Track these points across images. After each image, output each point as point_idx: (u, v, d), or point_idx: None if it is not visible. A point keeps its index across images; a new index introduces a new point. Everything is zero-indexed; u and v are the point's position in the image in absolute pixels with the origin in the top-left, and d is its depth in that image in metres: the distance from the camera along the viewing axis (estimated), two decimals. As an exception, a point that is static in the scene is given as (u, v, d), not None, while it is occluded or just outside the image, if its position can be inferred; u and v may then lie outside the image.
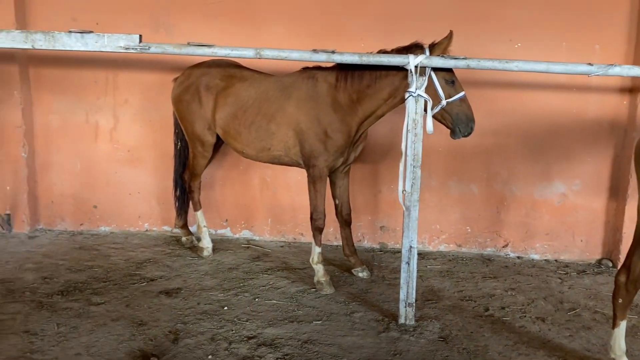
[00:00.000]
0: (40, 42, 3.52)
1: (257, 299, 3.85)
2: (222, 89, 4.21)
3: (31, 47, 3.57)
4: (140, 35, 3.47)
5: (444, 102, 3.54)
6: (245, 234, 5.11)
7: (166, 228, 5.13)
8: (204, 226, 4.66)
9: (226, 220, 5.11)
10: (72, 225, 5.15)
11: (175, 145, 4.71)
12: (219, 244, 4.90)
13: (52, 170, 5.11)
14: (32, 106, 4.99)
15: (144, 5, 4.75)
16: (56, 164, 5.10)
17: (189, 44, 3.44)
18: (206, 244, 4.63)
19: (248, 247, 4.89)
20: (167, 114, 4.79)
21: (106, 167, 5.06)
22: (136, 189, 5.08)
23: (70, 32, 3.49)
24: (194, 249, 4.72)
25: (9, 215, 4.96)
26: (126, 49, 3.44)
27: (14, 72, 4.77)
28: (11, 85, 4.80)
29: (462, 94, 3.59)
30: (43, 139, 5.06)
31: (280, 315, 3.63)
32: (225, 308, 3.70)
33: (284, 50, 3.50)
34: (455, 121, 3.61)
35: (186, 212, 4.82)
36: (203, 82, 4.27)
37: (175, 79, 4.46)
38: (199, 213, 4.66)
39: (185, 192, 4.72)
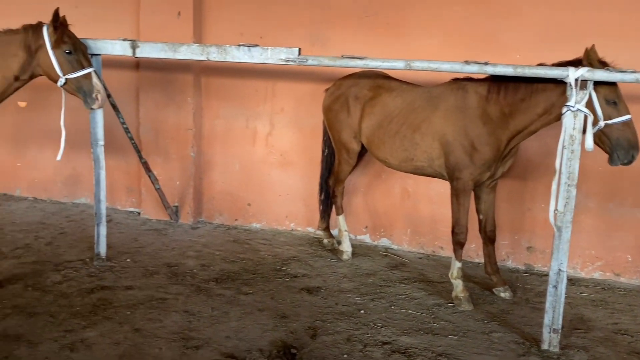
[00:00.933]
0: (214, 54, 3.96)
1: (392, 307, 3.90)
2: (370, 99, 4.34)
3: (206, 59, 4.03)
4: (299, 49, 3.74)
5: (601, 123, 3.26)
6: (384, 242, 5.18)
7: (310, 229, 5.40)
8: (345, 230, 4.82)
9: (366, 227, 5.24)
10: (228, 220, 5.65)
11: (323, 151, 4.95)
12: (357, 249, 5.03)
13: (214, 169, 5.65)
14: (202, 111, 5.57)
15: (302, 21, 5.07)
16: (218, 164, 5.63)
17: (343, 57, 3.63)
18: (346, 247, 4.79)
19: (386, 255, 4.95)
20: (318, 122, 5.05)
21: (261, 168, 5.47)
22: (285, 190, 5.42)
23: (239, 45, 3.87)
24: (334, 251, 4.90)
25: (177, 207, 5.58)
26: (286, 61, 3.72)
27: (189, 80, 5.37)
28: (186, 92, 5.41)
29: (626, 117, 3.27)
30: (209, 140, 5.62)
31: (415, 325, 3.64)
32: (362, 311, 3.80)
33: (434, 61, 3.53)
34: (615, 147, 3.30)
35: (329, 216, 5.03)
36: (352, 92, 4.44)
37: (327, 90, 4.69)
38: (341, 217, 4.83)
39: (329, 197, 4.93)
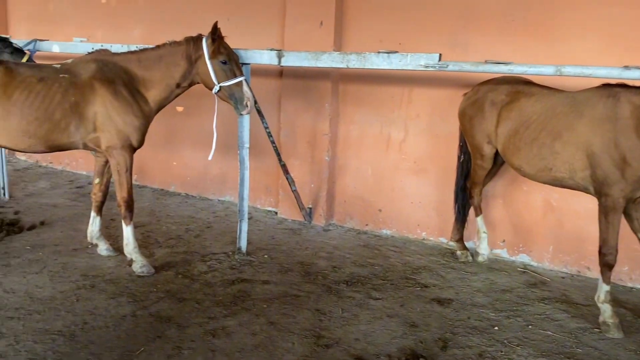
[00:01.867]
0: (353, 61, 4.06)
1: (530, 326, 3.68)
2: (507, 104, 4.17)
3: (345, 67, 4.14)
4: (440, 54, 3.69)
5: None
6: (523, 257, 4.90)
7: (442, 239, 5.28)
8: (484, 232, 4.72)
9: (503, 241, 5.00)
10: (359, 224, 5.73)
11: (459, 158, 4.83)
12: (493, 263, 4.82)
13: (347, 174, 5.77)
14: (338, 117, 5.72)
15: (442, 26, 4.99)
16: (351, 169, 5.74)
17: (486, 62, 3.51)
18: (483, 250, 4.71)
19: (524, 272, 4.68)
20: (454, 129, 4.94)
21: (393, 175, 5.47)
22: (418, 198, 5.36)
23: (378, 52, 3.93)
24: (460, 257, 4.83)
25: (310, 208, 5.79)
26: (426, 67, 3.70)
27: (327, 87, 5.55)
28: (324, 98, 5.59)
29: None
30: (343, 145, 5.75)
31: (555, 349, 3.40)
32: (496, 328, 3.64)
33: (588, 67, 3.29)
34: None
35: (463, 226, 4.88)
36: (489, 97, 4.31)
37: (465, 94, 4.58)
38: (479, 218, 4.72)
39: (464, 206, 4.80)
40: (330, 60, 4.22)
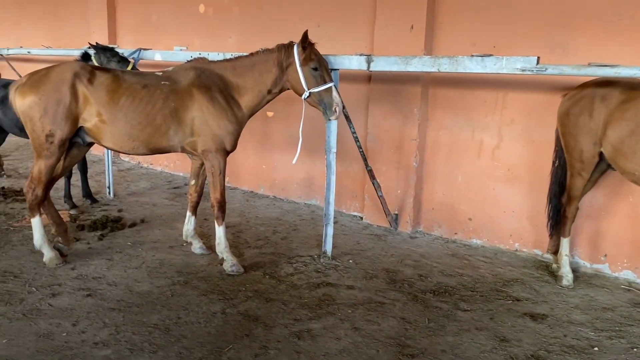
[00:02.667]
0: (445, 65, 3.96)
1: (635, 349, 3.40)
2: (621, 102, 3.82)
3: (437, 70, 4.05)
4: (538, 57, 3.51)
5: None
6: (627, 274, 4.54)
7: (537, 251, 5.01)
8: (565, 255, 4.38)
9: (605, 256, 4.65)
10: (447, 233, 5.57)
11: (553, 163, 4.53)
12: (592, 279, 4.51)
13: (435, 180, 5.64)
14: (427, 122, 5.60)
15: (539, 27, 4.74)
16: (440, 175, 5.60)
17: (589, 65, 3.30)
18: (566, 272, 4.37)
19: (629, 290, 4.33)
20: (551, 135, 4.67)
21: (485, 182, 5.27)
22: (511, 207, 5.13)
23: (472, 56, 3.80)
24: (557, 271, 4.48)
25: (396, 215, 5.72)
26: (522, 70, 3.54)
27: (416, 92, 5.46)
28: (413, 103, 5.50)
29: None
30: (432, 151, 5.63)
31: (664, 376, 3.12)
32: (596, 349, 3.39)
33: None
34: None
35: (559, 237, 4.59)
36: (599, 93, 3.96)
37: (565, 95, 4.30)
38: (566, 240, 4.39)
39: (558, 214, 4.51)
40: (420, 65, 4.15)
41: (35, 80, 4.14)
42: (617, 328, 3.68)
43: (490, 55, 3.74)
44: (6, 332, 3.36)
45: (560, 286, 4.33)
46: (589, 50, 4.46)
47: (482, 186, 5.30)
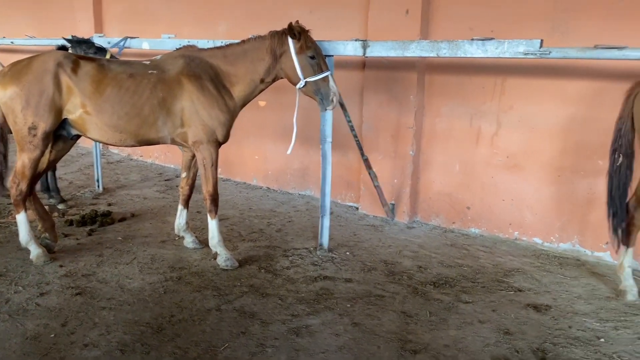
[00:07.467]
0: (444, 50, 3.82)
1: (642, 340, 3.32)
2: None
3: (435, 55, 3.91)
4: (542, 40, 3.39)
5: None
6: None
7: (536, 240, 4.92)
8: (628, 266, 3.91)
9: (606, 243, 4.54)
10: (445, 222, 5.47)
11: (613, 162, 3.86)
12: (595, 267, 4.43)
13: (432, 169, 5.52)
14: (424, 109, 5.47)
15: (538, 11, 4.60)
16: (437, 163, 5.48)
17: (595, 47, 3.17)
18: (629, 285, 3.90)
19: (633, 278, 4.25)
20: (553, 121, 4.58)
21: (483, 170, 5.16)
22: (510, 195, 5.03)
23: (472, 40, 3.67)
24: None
25: (393, 204, 5.60)
26: (525, 54, 3.41)
27: (412, 79, 5.32)
28: (409, 90, 5.36)
29: None
30: (428, 139, 5.50)
31: (673, 368, 3.04)
32: (602, 340, 3.30)
33: None
34: None
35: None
36: None
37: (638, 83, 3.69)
38: (630, 251, 3.89)
39: (620, 220, 3.90)
40: (419, 50, 4.00)
41: (17, 71, 3.97)
42: (622, 318, 3.60)
43: (492, 38, 3.61)
44: (-9, 334, 3.23)
45: (625, 302, 3.84)
46: (591, 33, 4.33)
47: (480, 174, 5.19)
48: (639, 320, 3.56)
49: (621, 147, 3.81)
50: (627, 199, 3.86)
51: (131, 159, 8.43)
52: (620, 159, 3.82)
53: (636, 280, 3.95)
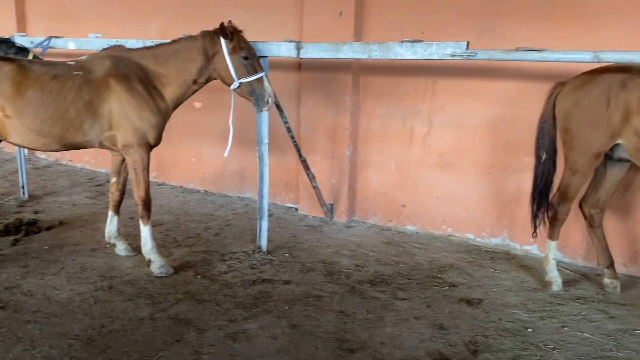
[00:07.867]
0: (375, 52, 3.88)
1: (565, 328, 3.49)
2: None
3: (367, 57, 3.97)
4: (468, 42, 3.50)
5: None
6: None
7: (469, 236, 5.08)
8: (553, 258, 4.08)
9: (534, 237, 4.76)
10: (382, 220, 5.56)
11: (539, 157, 4.04)
12: (523, 260, 4.63)
13: (369, 169, 5.60)
14: (359, 110, 5.54)
15: (466, 14, 4.76)
16: (373, 163, 5.56)
17: (517, 49, 3.32)
18: (554, 277, 4.06)
19: (558, 270, 4.46)
20: (482, 121, 4.74)
21: (417, 170, 5.28)
22: (443, 193, 5.17)
23: (402, 42, 3.75)
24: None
25: (332, 205, 5.63)
26: (453, 55, 3.52)
27: (348, 80, 5.37)
28: (344, 92, 5.41)
29: None
30: (364, 140, 5.58)
31: (593, 352, 3.21)
32: (529, 330, 3.45)
33: (629, 51, 3.06)
34: None
35: (607, 249, 4.06)
36: (617, 80, 3.56)
37: (562, 83, 3.87)
38: (554, 244, 4.07)
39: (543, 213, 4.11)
40: (351, 51, 4.05)
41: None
42: (547, 308, 3.77)
43: (421, 41, 3.70)
44: None
45: (550, 293, 4.00)
46: (515, 37, 4.50)
47: (414, 173, 5.31)
48: (564, 310, 3.75)
49: (544, 145, 3.99)
50: (552, 195, 4.05)
51: (59, 164, 8.05)
52: (544, 155, 4.00)
53: (560, 271, 4.15)
